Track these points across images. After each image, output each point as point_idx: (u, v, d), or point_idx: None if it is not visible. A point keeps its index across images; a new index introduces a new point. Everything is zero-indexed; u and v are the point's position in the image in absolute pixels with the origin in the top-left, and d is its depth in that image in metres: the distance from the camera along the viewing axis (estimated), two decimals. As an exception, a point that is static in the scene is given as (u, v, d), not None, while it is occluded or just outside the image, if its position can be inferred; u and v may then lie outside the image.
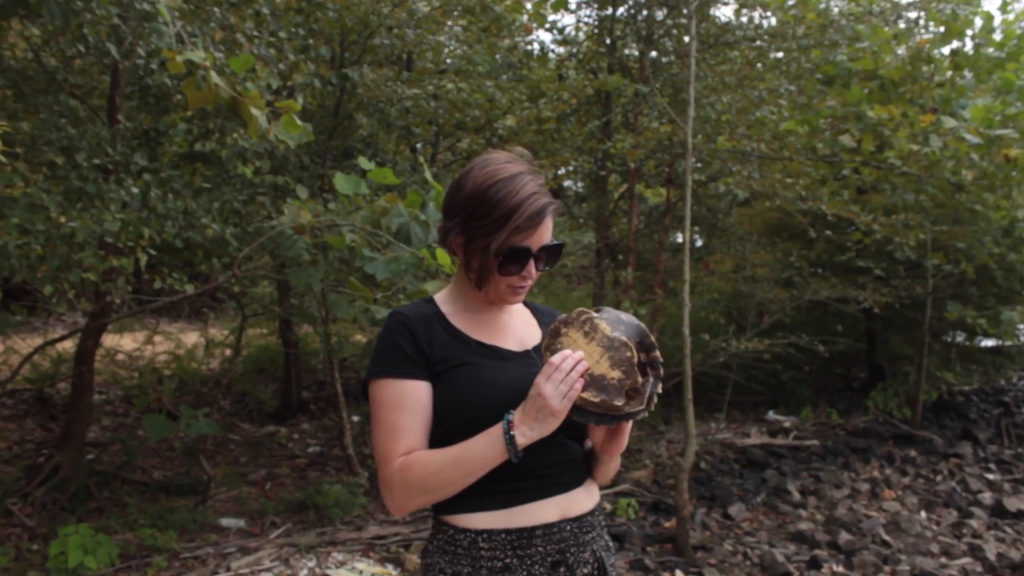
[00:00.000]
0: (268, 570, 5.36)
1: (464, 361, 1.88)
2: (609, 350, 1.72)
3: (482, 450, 1.76)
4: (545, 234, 1.88)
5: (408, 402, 1.85)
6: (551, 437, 1.76)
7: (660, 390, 1.77)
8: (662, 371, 1.77)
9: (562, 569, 1.86)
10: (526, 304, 2.14)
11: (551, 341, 1.77)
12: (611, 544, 2.03)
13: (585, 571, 1.90)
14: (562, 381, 1.68)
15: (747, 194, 8.67)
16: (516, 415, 1.74)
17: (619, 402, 1.69)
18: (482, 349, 1.92)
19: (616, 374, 1.70)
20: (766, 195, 8.32)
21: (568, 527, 1.89)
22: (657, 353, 1.77)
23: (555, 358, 1.70)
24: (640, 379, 1.71)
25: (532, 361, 1.94)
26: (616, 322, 1.76)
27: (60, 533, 5.30)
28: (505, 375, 1.88)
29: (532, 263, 1.89)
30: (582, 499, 1.93)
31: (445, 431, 1.84)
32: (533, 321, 2.10)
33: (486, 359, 1.90)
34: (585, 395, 1.70)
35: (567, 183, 11.74)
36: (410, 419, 1.84)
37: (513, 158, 1.92)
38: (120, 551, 5.49)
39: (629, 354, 1.72)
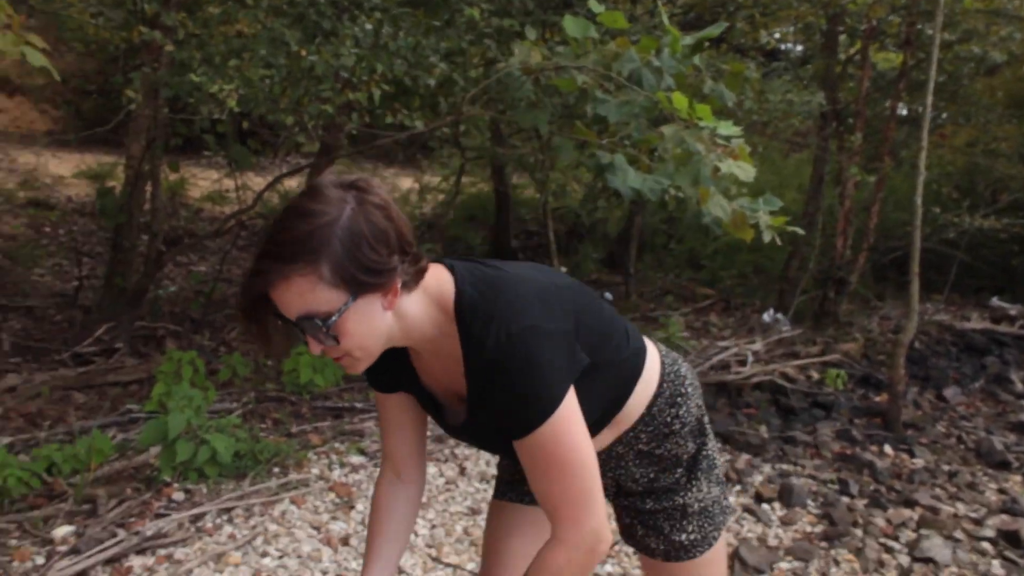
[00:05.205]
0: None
1: None
2: None
3: None
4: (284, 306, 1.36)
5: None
6: None
7: None
8: None
9: None
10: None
11: None
12: (642, 461, 1.78)
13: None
14: None
15: (1004, 58, 7.79)
16: None
17: None
18: None
19: None
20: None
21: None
22: None
23: None
24: None
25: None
26: None
27: (292, 352, 5.76)
28: None
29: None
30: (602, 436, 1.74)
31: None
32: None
33: None
34: None
35: (785, 46, 11.03)
36: None
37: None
38: (344, 374, 5.92)
39: None
